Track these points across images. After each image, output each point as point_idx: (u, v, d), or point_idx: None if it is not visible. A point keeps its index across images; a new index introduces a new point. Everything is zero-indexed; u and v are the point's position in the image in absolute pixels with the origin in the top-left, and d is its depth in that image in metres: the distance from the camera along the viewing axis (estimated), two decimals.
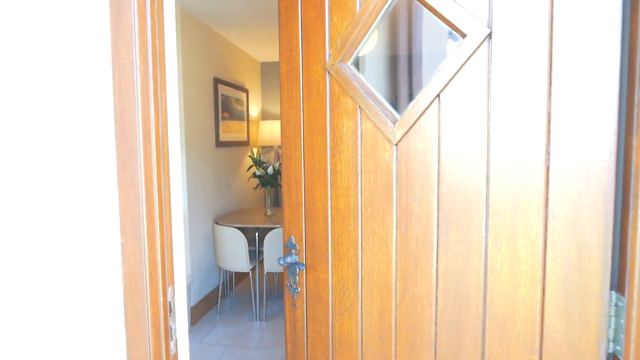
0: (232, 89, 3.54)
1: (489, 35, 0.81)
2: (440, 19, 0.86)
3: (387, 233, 0.93)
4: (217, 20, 2.98)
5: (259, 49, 3.94)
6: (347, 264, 0.98)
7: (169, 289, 0.82)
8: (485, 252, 0.85)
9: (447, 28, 0.87)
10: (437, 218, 0.88)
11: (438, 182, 0.87)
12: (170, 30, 0.84)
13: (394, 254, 0.93)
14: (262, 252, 2.91)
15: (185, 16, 2.77)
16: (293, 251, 1.07)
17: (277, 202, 4.53)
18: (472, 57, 0.82)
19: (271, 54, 4.12)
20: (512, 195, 0.82)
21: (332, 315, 1.02)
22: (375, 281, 0.95)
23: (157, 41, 0.78)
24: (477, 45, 0.81)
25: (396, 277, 0.93)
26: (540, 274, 0.81)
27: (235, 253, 2.84)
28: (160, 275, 0.79)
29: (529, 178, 0.80)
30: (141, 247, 0.76)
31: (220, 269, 3.05)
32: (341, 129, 0.97)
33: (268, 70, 4.38)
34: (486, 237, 0.84)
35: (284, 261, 1.07)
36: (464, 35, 0.83)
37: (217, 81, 3.23)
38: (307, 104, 1.02)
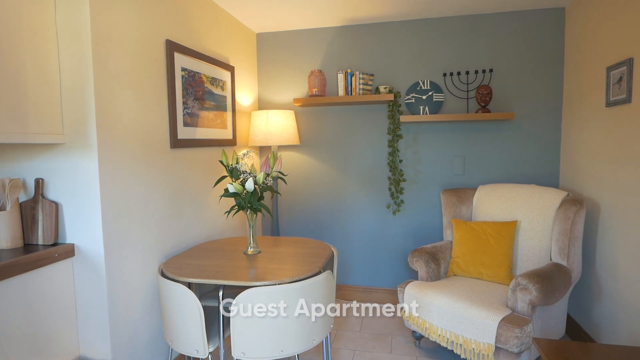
0: (203, 62, 2.40)
1: None
2: None
3: None
4: None
5: (256, 15, 2.79)
6: None
7: None
8: None
9: None
10: None
11: None
12: None
13: None
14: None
15: None
16: None
17: (266, 230, 3.37)
18: None
19: (273, 22, 2.96)
20: None
21: None
22: None
23: None
24: None
25: None
26: None
27: (185, 326, 1.69)
28: None
29: None
30: None
31: (169, 346, 1.92)
32: None
33: (267, 44, 3.23)
34: None
35: None
36: None
37: (172, 47, 2.09)
38: None
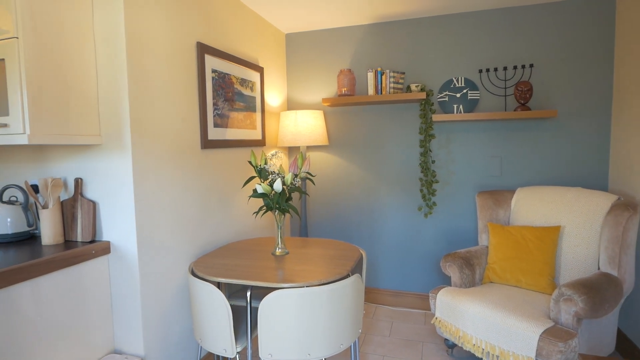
0: (232, 64, 2.42)
1: None
2: None
3: None
4: None
5: (285, 15, 2.79)
6: None
7: None
8: None
9: None
10: None
11: None
12: None
13: None
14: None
15: None
16: None
17: (295, 231, 3.36)
18: None
19: (302, 22, 2.95)
20: None
21: None
22: None
23: None
24: None
25: None
26: None
27: (214, 324, 1.70)
28: None
29: None
30: None
31: (198, 345, 1.94)
32: None
33: (296, 44, 3.22)
34: None
35: None
36: None
37: (203, 49, 2.12)
38: None
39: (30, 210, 1.84)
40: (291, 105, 3.29)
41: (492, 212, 2.58)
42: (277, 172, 2.00)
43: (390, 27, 2.98)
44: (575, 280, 1.89)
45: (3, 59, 1.43)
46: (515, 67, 2.71)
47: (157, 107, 1.84)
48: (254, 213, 1.99)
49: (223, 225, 2.37)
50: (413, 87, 2.79)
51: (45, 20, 1.48)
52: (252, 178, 2.02)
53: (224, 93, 2.34)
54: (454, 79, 2.81)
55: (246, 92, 2.59)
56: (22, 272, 1.40)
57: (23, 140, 1.42)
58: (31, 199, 1.90)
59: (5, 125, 1.45)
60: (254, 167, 2.03)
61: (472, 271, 2.34)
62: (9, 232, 1.74)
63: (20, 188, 1.78)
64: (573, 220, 2.25)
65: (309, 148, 3.25)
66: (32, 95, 1.43)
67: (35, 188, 1.85)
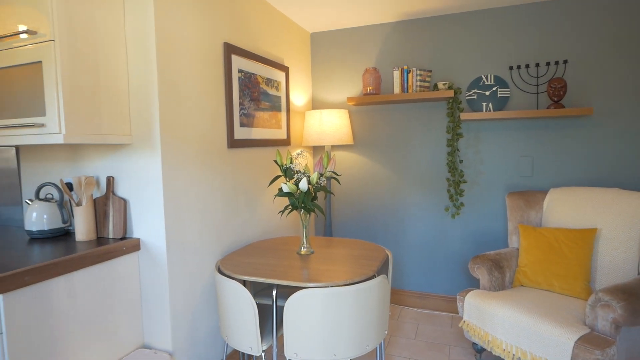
0: (258, 63, 2.43)
1: None
2: None
3: None
4: None
5: (310, 14, 2.79)
6: None
7: None
8: None
9: None
10: None
11: None
12: None
13: None
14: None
15: None
16: None
17: (319, 230, 3.34)
18: None
19: (327, 21, 2.94)
20: None
21: None
22: None
23: None
24: None
25: None
26: None
27: (240, 322, 1.72)
28: None
29: None
30: None
31: (225, 342, 1.96)
32: None
33: (321, 43, 3.22)
34: None
35: None
36: None
37: (229, 49, 2.14)
38: None
39: (65, 207, 1.91)
40: (316, 104, 3.29)
41: (523, 213, 2.50)
42: (302, 171, 2.00)
43: (416, 25, 2.93)
44: (613, 285, 1.80)
45: (40, 61, 1.48)
46: (548, 64, 2.61)
47: (185, 107, 1.87)
48: (280, 212, 2.00)
49: (249, 224, 2.39)
50: (440, 85, 2.73)
51: (80, 24, 1.53)
52: (277, 177, 2.03)
53: (250, 93, 2.35)
54: (483, 76, 2.73)
55: (271, 91, 2.60)
56: (57, 267, 1.45)
57: (59, 139, 1.47)
58: (66, 197, 1.97)
59: (42, 125, 1.50)
60: (279, 166, 2.03)
61: (502, 274, 2.27)
62: (45, 228, 1.81)
63: (56, 186, 1.85)
64: (611, 223, 2.15)
65: (333, 147, 3.24)
66: (67, 96, 1.48)
67: (69, 186, 1.92)
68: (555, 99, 2.50)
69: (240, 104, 2.26)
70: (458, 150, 2.87)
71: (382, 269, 2.09)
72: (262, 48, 2.52)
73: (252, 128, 2.38)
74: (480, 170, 2.84)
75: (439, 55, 2.89)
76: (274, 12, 2.65)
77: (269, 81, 2.57)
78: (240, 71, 2.25)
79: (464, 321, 2.20)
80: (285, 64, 2.82)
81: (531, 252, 2.27)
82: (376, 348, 1.93)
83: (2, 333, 1.30)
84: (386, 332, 1.83)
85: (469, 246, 2.91)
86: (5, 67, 1.56)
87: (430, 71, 2.81)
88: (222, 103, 2.12)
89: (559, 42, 2.60)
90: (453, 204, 2.90)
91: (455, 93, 2.78)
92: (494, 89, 2.70)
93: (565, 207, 2.35)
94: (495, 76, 2.71)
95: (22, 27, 1.50)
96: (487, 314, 2.06)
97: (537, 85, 2.65)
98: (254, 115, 2.40)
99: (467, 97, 2.78)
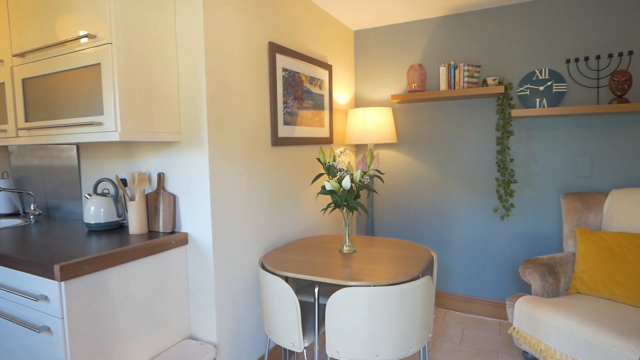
0: (302, 62, 2.45)
1: None
2: None
3: None
4: None
5: (354, 12, 2.77)
6: None
7: None
8: None
9: None
10: None
11: None
12: None
13: None
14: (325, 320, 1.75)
15: None
16: None
17: (361, 229, 3.30)
18: None
19: (371, 18, 2.91)
20: None
21: None
22: None
23: None
24: None
25: None
26: None
27: (282, 318, 1.73)
28: None
29: None
30: None
31: (267, 337, 1.98)
32: None
33: (364, 41, 3.18)
34: None
35: None
36: None
37: (274, 48, 2.17)
38: None
39: (119, 202, 2.01)
40: (359, 102, 3.26)
41: (581, 216, 2.33)
42: (345, 169, 1.98)
43: (464, 19, 2.83)
44: None
45: (99, 64, 1.57)
46: (610, 55, 2.42)
47: (231, 107, 1.91)
48: (322, 210, 1.99)
49: (291, 222, 2.41)
50: (490, 80, 2.62)
51: (135, 27, 1.61)
52: (320, 175, 2.02)
53: (294, 91, 2.37)
54: (536, 70, 2.58)
55: (315, 90, 2.60)
56: (113, 257, 1.53)
57: (115, 137, 1.55)
58: (121, 192, 2.08)
59: (100, 124, 1.59)
60: (322, 164, 2.03)
61: (556, 280, 2.13)
62: (102, 221, 1.92)
63: (112, 181, 1.96)
64: None
65: (376, 146, 3.20)
66: (123, 96, 1.55)
67: (124, 182, 2.02)
68: (619, 94, 2.31)
69: (284, 102, 2.28)
70: (508, 148, 2.73)
71: (427, 271, 2.03)
72: (306, 46, 2.53)
73: (295, 126, 2.39)
74: (532, 170, 2.69)
75: (488, 50, 2.77)
76: (318, 11, 2.66)
77: (313, 79, 2.57)
78: (284, 70, 2.27)
79: (514, 328, 2.09)
80: (329, 62, 2.81)
81: (590, 258, 2.12)
82: (420, 351, 1.88)
83: (63, 318, 1.39)
84: (430, 335, 1.77)
85: (518, 250, 2.76)
86: (68, 70, 1.67)
87: (479, 66, 2.69)
88: (266, 102, 2.15)
89: (623, 31, 2.41)
90: (502, 205, 2.76)
91: (506, 89, 2.65)
92: (549, 83, 2.55)
93: (628, 210, 2.17)
94: (550, 70, 2.55)
95: (82, 32, 1.60)
96: (539, 322, 1.94)
97: (598, 79, 2.46)
98: (297, 113, 2.42)
99: (518, 93, 2.64)
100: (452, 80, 2.70)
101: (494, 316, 2.85)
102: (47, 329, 1.43)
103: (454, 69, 2.69)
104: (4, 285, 1.59)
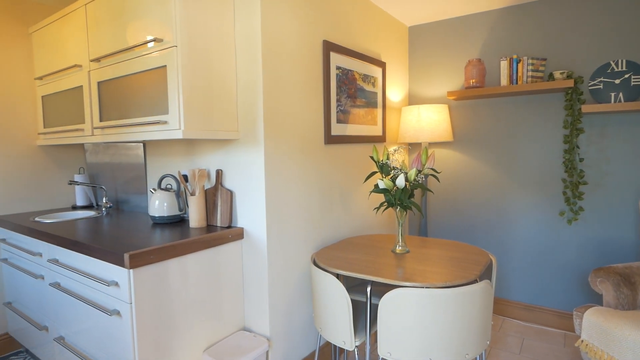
0: (355, 60, 2.43)
1: None
2: None
3: None
4: None
5: (409, 7, 2.72)
6: None
7: None
8: None
9: None
10: None
11: None
12: None
13: None
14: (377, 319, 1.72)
15: None
16: None
17: (414, 229, 3.21)
18: None
19: (426, 13, 2.83)
20: None
21: None
22: None
23: None
24: None
25: None
26: None
27: (334, 316, 1.73)
28: None
29: None
30: None
31: (318, 333, 2.00)
32: None
33: (419, 37, 3.10)
34: None
35: None
36: None
37: (328, 47, 2.17)
38: None
39: (181, 196, 2.13)
40: (412, 100, 3.18)
41: None
42: (399, 167, 1.95)
43: (526, 10, 2.66)
44: None
45: (165, 66, 1.66)
46: None
47: (286, 105, 1.95)
48: (375, 209, 1.97)
49: (343, 220, 2.41)
50: (557, 74, 2.44)
51: (198, 30, 1.68)
52: (373, 173, 2.00)
53: (347, 89, 2.37)
54: (611, 62, 2.37)
55: (368, 87, 2.58)
56: (174, 249, 1.62)
57: (179, 135, 1.63)
58: (182, 187, 2.20)
59: (165, 123, 1.68)
60: (375, 162, 2.00)
61: (633, 291, 1.94)
62: (165, 214, 2.04)
63: (174, 177, 2.07)
64: None
65: (431, 144, 3.11)
66: (186, 96, 1.64)
67: (185, 177, 2.13)
68: None
69: (337, 100, 2.28)
70: (577, 147, 2.53)
71: (484, 275, 1.93)
72: (360, 44, 2.51)
73: (348, 124, 2.39)
74: (605, 171, 2.47)
75: (554, 42, 2.58)
76: (372, 8, 2.63)
77: (366, 77, 2.55)
78: (338, 68, 2.27)
79: (582, 341, 1.94)
80: (382, 60, 2.78)
81: None
82: (477, 358, 1.79)
83: (131, 303, 1.49)
84: (489, 342, 1.69)
85: (588, 256, 2.55)
86: (137, 73, 1.79)
87: (545, 59, 2.52)
88: (320, 100, 2.17)
89: None
90: (570, 207, 2.57)
91: (576, 82, 2.46)
92: (626, 76, 2.32)
93: None
94: (627, 61, 2.32)
95: (150, 37, 1.71)
96: (612, 336, 1.78)
97: None
98: (350, 111, 2.41)
99: (590, 87, 2.43)
100: (515, 75, 2.55)
101: (557, 327, 2.66)
102: (117, 313, 1.55)
103: (517, 63, 2.54)
104: (81, 270, 1.74)
